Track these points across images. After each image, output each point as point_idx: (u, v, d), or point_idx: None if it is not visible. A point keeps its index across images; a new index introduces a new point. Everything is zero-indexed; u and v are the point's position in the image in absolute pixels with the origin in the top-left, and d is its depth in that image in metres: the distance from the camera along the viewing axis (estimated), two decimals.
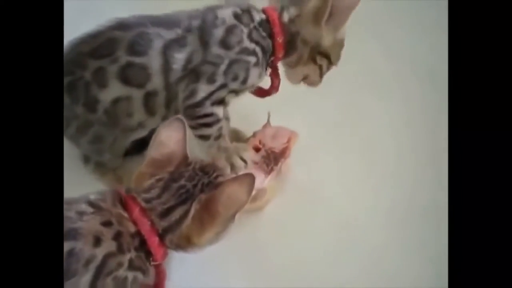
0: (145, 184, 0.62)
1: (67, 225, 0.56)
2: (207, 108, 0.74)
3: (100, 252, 0.56)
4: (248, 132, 0.87)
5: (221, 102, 0.75)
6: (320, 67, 0.78)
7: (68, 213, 0.57)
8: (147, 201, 0.61)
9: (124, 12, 0.77)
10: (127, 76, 0.72)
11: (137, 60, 0.72)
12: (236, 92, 0.76)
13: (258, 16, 0.75)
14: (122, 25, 0.74)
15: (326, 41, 0.75)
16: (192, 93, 0.73)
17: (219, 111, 0.75)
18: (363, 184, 0.92)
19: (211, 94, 0.73)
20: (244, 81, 0.74)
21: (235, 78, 0.73)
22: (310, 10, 0.73)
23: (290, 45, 0.76)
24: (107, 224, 0.58)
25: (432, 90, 1.05)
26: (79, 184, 0.67)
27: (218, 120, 0.76)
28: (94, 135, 0.76)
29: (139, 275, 0.61)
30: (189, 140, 0.65)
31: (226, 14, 0.74)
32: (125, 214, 0.60)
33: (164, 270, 0.66)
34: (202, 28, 0.73)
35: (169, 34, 0.73)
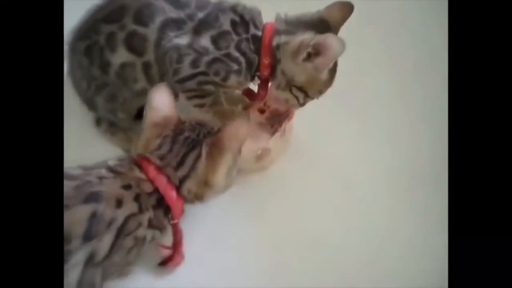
0: (155, 144, 0.66)
1: (88, 189, 0.59)
2: (195, 85, 0.78)
3: (121, 214, 0.60)
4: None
5: (210, 83, 0.78)
6: (297, 98, 0.79)
7: (89, 177, 0.61)
8: (161, 158, 0.66)
9: None
10: (131, 43, 0.76)
11: (140, 29, 0.75)
12: (217, 85, 0.78)
13: (253, 30, 0.76)
14: None
15: (301, 77, 0.76)
16: (177, 71, 0.76)
17: (208, 87, 0.79)
18: (364, 144, 0.94)
19: (194, 75, 0.77)
20: (224, 80, 0.77)
21: (216, 74, 0.77)
22: (291, 46, 0.74)
23: (274, 69, 0.77)
24: (127, 187, 0.62)
25: (429, 54, 1.06)
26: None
27: (209, 93, 0.80)
28: (109, 94, 0.81)
29: (157, 233, 0.66)
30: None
31: (225, 19, 0.76)
32: (143, 176, 0.64)
33: (181, 230, 0.71)
34: (202, 21, 0.76)
35: (173, 13, 0.75)
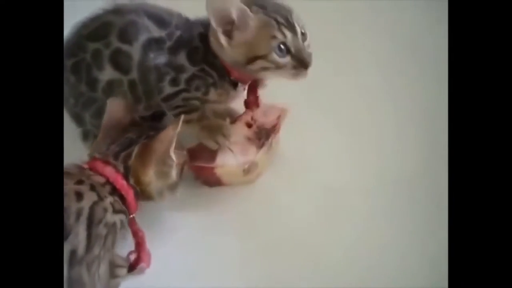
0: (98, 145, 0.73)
1: None
2: (181, 102, 0.79)
3: (85, 204, 0.63)
4: (241, 110, 0.91)
5: (195, 99, 0.79)
6: (267, 67, 0.77)
7: None
8: (101, 153, 0.72)
9: None
10: (116, 61, 0.77)
11: (124, 47, 0.76)
12: (202, 101, 0.80)
13: None
14: (117, 10, 0.79)
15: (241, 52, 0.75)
16: (160, 90, 0.78)
17: (194, 103, 0.80)
18: (351, 157, 0.94)
19: (177, 93, 0.78)
20: (205, 94, 0.79)
21: (197, 89, 0.78)
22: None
23: None
24: (80, 182, 0.66)
25: (431, 70, 1.05)
26: None
27: (195, 109, 0.81)
28: (96, 110, 0.81)
29: (123, 218, 0.69)
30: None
31: (196, 34, 0.77)
32: (90, 172, 0.69)
33: (139, 229, 0.74)
34: (178, 40, 0.77)
35: (156, 32, 0.77)
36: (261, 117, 0.88)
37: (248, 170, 0.85)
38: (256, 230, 0.85)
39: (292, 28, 0.73)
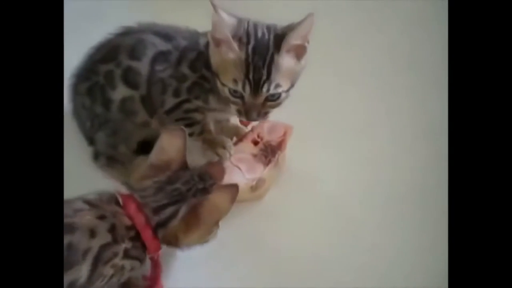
0: (143, 185, 0.68)
1: (64, 220, 0.61)
2: (182, 115, 0.81)
3: (96, 243, 0.62)
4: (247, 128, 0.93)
5: (196, 110, 0.81)
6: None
7: (66, 210, 0.62)
8: (142, 197, 0.67)
9: (123, 12, 0.82)
10: (127, 78, 0.80)
11: (134, 64, 0.80)
12: (203, 110, 0.81)
13: None
14: (125, 32, 0.83)
15: (214, 59, 0.76)
16: (162, 103, 0.80)
17: (194, 115, 0.82)
18: (357, 171, 0.96)
19: (179, 104, 0.80)
20: (205, 102, 0.80)
21: (197, 97, 0.80)
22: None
23: None
24: (101, 217, 0.64)
25: (431, 82, 1.08)
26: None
27: (196, 122, 0.83)
28: (111, 129, 0.84)
29: (136, 264, 0.67)
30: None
31: (202, 42, 0.79)
32: (120, 210, 0.66)
33: (160, 263, 0.72)
34: (184, 49, 0.80)
35: (162, 46, 0.80)
36: (267, 134, 0.91)
37: (256, 186, 0.87)
38: (265, 245, 0.86)
39: (256, 85, 0.73)
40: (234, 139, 0.91)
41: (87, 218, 0.63)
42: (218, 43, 0.73)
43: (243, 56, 0.72)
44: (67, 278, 0.59)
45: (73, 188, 0.66)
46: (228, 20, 0.72)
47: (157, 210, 0.66)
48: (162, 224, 0.66)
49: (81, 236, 0.61)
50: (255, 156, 0.89)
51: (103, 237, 0.62)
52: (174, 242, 0.68)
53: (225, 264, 0.83)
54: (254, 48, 0.72)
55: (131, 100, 0.81)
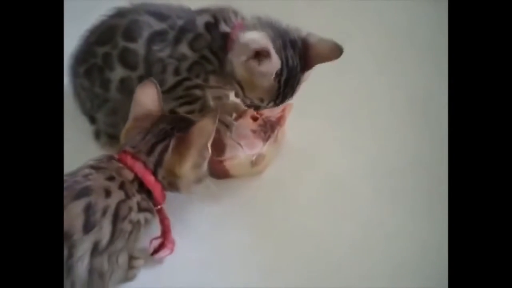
0: (131, 136, 0.73)
1: (77, 186, 0.65)
2: (182, 92, 0.82)
3: (112, 201, 0.66)
4: None
5: (196, 87, 0.82)
6: (237, 92, 0.81)
7: (76, 178, 0.66)
8: (133, 146, 0.71)
9: None
10: (124, 59, 0.80)
11: (130, 45, 0.80)
12: (203, 87, 0.82)
13: (223, 28, 0.78)
14: (119, 13, 0.83)
15: (240, 72, 0.76)
16: (162, 82, 0.80)
17: (195, 92, 0.82)
18: (356, 147, 0.97)
19: (179, 82, 0.80)
20: (205, 81, 0.81)
21: (197, 76, 0.80)
22: (242, 38, 0.75)
23: None
24: (111, 178, 0.68)
25: (431, 57, 1.08)
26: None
27: (197, 98, 0.83)
28: (110, 109, 0.85)
29: (149, 215, 0.71)
30: None
31: (200, 22, 0.79)
32: (120, 164, 0.70)
33: (166, 215, 0.76)
34: (181, 29, 0.79)
35: (157, 25, 0.80)
36: (267, 110, 0.91)
37: (256, 162, 0.88)
38: (265, 219, 0.87)
39: (278, 104, 0.81)
40: (234, 115, 0.92)
41: (98, 180, 0.67)
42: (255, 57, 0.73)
43: (276, 85, 0.76)
44: (90, 240, 0.62)
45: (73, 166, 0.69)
46: (276, 61, 0.73)
47: (149, 151, 0.71)
48: (158, 162, 0.70)
49: (98, 197, 0.65)
50: (254, 132, 0.90)
51: (118, 195, 0.66)
52: (173, 181, 0.72)
53: (225, 238, 0.85)
54: (286, 80, 0.76)
55: (129, 80, 0.81)
